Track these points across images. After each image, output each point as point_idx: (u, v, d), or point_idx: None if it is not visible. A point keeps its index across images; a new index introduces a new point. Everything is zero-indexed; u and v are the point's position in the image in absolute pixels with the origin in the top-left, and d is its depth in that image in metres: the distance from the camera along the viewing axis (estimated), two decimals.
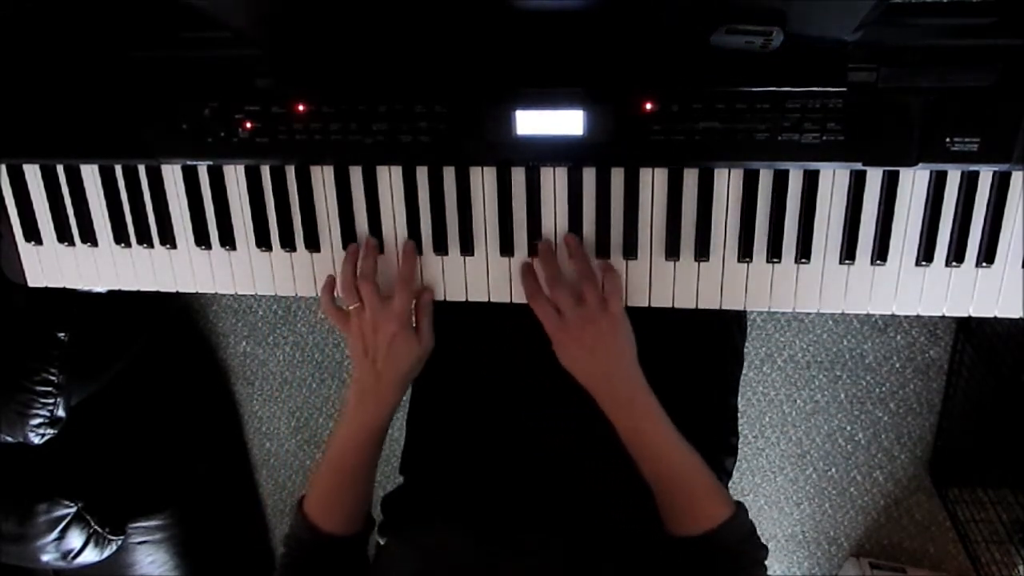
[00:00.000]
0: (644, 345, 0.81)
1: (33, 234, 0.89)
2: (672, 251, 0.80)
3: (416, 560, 0.72)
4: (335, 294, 0.82)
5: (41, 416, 1.31)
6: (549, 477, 0.88)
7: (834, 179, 0.76)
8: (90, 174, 0.86)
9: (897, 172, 0.75)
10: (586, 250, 0.79)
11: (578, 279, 0.76)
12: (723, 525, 0.70)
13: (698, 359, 0.96)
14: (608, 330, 0.74)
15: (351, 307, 0.78)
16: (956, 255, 0.77)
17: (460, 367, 0.96)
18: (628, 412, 0.75)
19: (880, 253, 0.77)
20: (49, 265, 0.91)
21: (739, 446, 1.03)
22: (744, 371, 1.07)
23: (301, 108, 0.77)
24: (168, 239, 0.87)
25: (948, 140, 0.71)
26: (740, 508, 0.73)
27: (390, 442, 2.05)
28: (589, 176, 0.79)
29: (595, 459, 0.89)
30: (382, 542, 0.84)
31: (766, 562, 0.73)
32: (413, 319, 0.81)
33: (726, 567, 0.70)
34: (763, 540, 0.74)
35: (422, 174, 0.81)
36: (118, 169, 0.86)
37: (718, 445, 0.96)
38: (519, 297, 0.84)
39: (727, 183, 0.78)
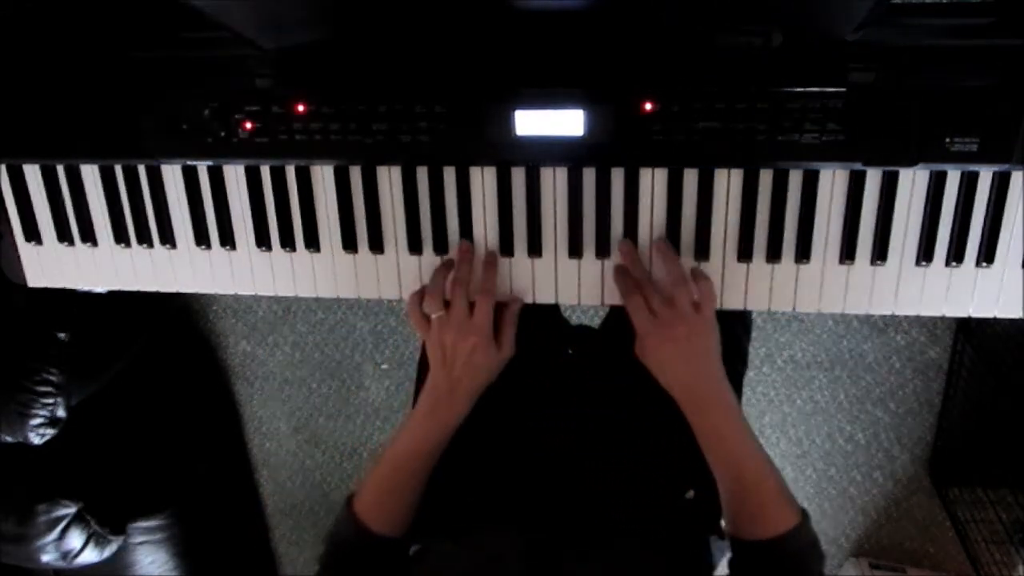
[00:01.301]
0: None
1: (33, 234, 0.89)
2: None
3: (469, 561, 0.72)
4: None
5: (41, 416, 1.31)
6: (550, 477, 0.88)
7: (834, 179, 0.76)
8: (90, 174, 0.86)
9: (897, 172, 0.75)
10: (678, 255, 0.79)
11: (671, 283, 0.75)
12: (791, 531, 0.70)
13: None
14: (700, 331, 0.74)
15: (435, 315, 0.78)
16: (956, 255, 0.76)
17: None
18: (710, 412, 0.75)
19: (880, 253, 0.77)
20: (49, 265, 0.91)
21: None
22: None
23: (301, 108, 0.77)
24: (168, 239, 0.87)
25: (948, 140, 0.71)
26: (806, 516, 0.73)
27: None
28: (589, 176, 0.79)
29: (595, 459, 0.89)
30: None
31: None
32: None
33: (789, 573, 0.70)
34: None
35: (422, 174, 0.81)
36: (118, 169, 0.86)
37: None
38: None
39: (727, 183, 0.78)
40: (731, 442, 0.74)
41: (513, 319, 0.82)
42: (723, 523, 0.78)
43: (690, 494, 0.88)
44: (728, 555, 0.90)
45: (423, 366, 1.05)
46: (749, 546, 0.72)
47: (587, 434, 0.91)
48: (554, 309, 1.15)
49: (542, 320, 1.06)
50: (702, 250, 0.79)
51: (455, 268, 0.80)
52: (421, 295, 0.81)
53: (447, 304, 0.78)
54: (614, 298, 0.83)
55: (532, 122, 0.75)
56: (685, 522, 0.89)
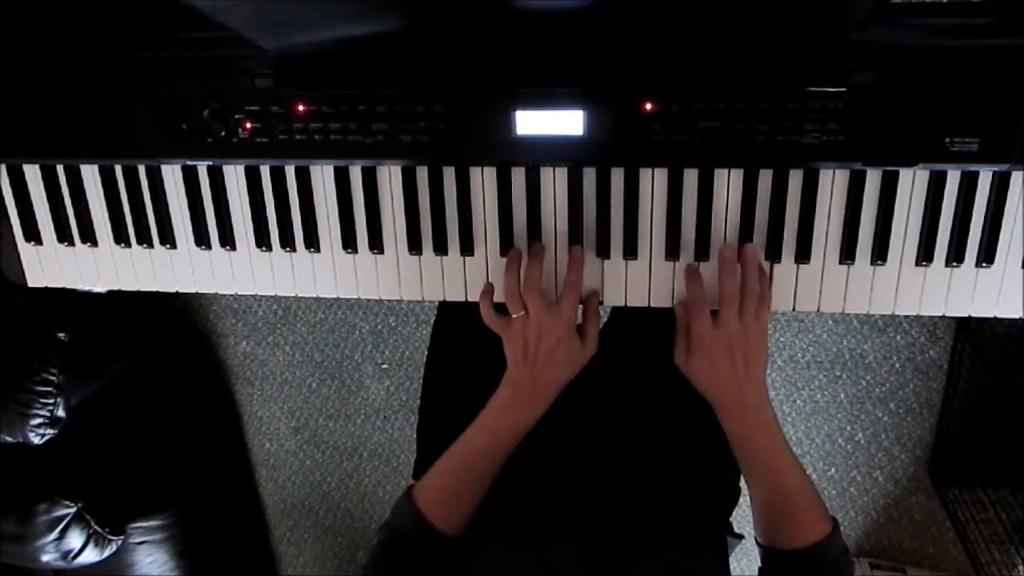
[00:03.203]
0: (655, 347, 0.81)
1: (33, 234, 0.89)
2: (672, 251, 0.80)
3: (524, 565, 0.72)
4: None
5: (41, 416, 1.31)
6: (581, 479, 0.88)
7: (834, 179, 0.76)
8: (90, 174, 0.86)
9: (897, 172, 0.75)
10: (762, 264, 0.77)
11: (747, 294, 0.74)
12: (823, 540, 0.71)
13: None
14: (756, 346, 0.74)
15: (515, 315, 0.76)
16: (956, 255, 0.76)
17: (468, 375, 0.96)
18: (751, 422, 0.74)
19: (880, 253, 0.77)
20: (49, 265, 0.91)
21: None
22: None
23: (301, 108, 0.77)
24: (168, 239, 0.87)
25: (948, 140, 0.71)
26: (836, 526, 0.73)
27: (400, 452, 2.04)
28: (589, 176, 0.79)
29: (614, 459, 0.89)
30: None
31: None
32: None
33: None
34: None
35: (422, 174, 0.81)
36: (118, 169, 0.86)
37: (727, 447, 0.97)
38: None
39: (727, 183, 0.78)
40: (772, 454, 0.74)
41: (596, 314, 0.80)
42: (754, 532, 0.78)
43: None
44: (735, 550, 0.90)
45: (429, 368, 1.05)
46: (782, 555, 0.72)
47: (591, 434, 0.91)
48: None
49: None
50: (702, 250, 0.79)
51: (525, 270, 0.78)
52: (491, 297, 0.80)
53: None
54: (614, 299, 0.83)
55: (532, 122, 0.75)
56: (704, 519, 0.89)
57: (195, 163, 0.84)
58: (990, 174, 0.74)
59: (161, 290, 0.90)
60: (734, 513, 0.95)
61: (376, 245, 0.84)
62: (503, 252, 0.82)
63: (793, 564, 0.72)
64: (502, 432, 0.77)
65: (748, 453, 0.75)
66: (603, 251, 0.81)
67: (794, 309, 0.81)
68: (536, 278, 0.77)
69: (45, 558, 1.42)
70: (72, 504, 1.41)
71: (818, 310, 0.81)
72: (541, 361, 0.75)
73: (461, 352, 1.01)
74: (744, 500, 0.83)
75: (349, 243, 0.84)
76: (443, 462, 0.77)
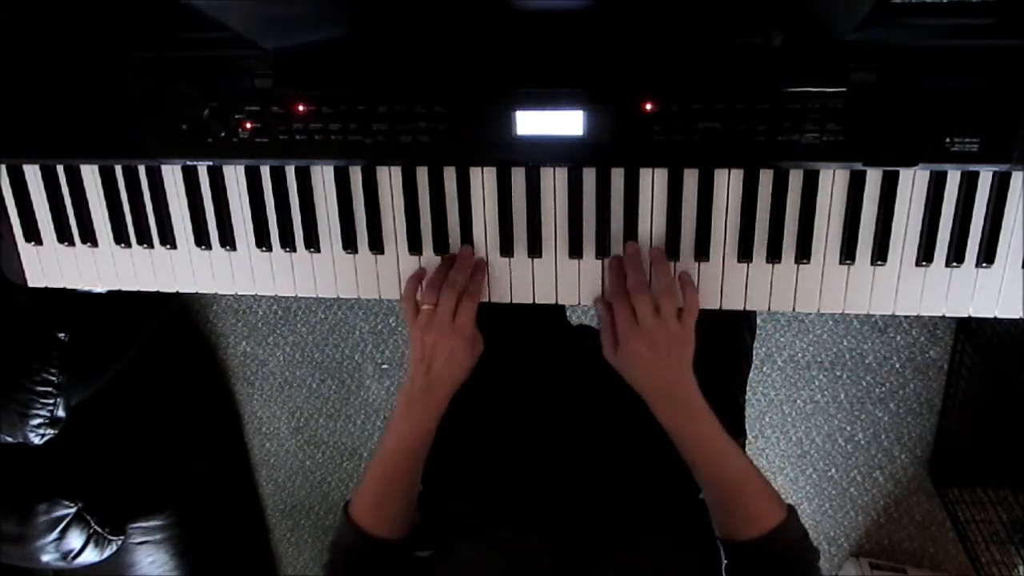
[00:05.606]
0: None
1: (33, 234, 0.89)
2: (672, 251, 0.80)
3: (495, 562, 0.72)
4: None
5: (41, 416, 1.31)
6: (568, 476, 0.88)
7: (834, 179, 0.76)
8: (90, 174, 0.86)
9: (897, 172, 0.75)
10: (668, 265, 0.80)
11: (659, 291, 0.76)
12: (777, 528, 0.71)
13: (708, 358, 0.97)
14: (679, 341, 0.75)
15: (425, 306, 0.78)
16: (956, 255, 0.76)
17: None
18: (684, 415, 0.75)
19: (880, 253, 0.77)
20: (49, 265, 0.91)
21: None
22: None
23: (301, 108, 0.77)
24: (168, 239, 0.87)
25: (948, 140, 0.71)
26: (792, 512, 0.73)
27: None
28: (589, 176, 0.79)
29: (610, 457, 0.89)
30: (424, 553, 0.84)
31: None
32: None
33: (780, 570, 0.71)
34: None
35: (422, 174, 0.81)
36: (118, 169, 0.86)
37: None
38: (518, 297, 0.84)
39: (727, 183, 0.78)
40: (709, 442, 0.75)
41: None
42: (714, 529, 0.78)
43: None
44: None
45: None
46: (742, 546, 0.72)
47: (599, 432, 0.91)
48: (559, 309, 1.15)
49: (549, 320, 1.06)
50: (702, 250, 0.79)
51: (452, 271, 0.80)
52: (418, 280, 0.82)
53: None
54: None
55: (532, 122, 0.75)
56: (700, 519, 0.89)
57: (195, 163, 0.84)
58: (990, 174, 0.74)
59: (161, 290, 0.90)
60: None
61: (376, 245, 0.84)
62: (503, 253, 0.82)
63: (752, 555, 0.72)
64: (408, 434, 0.79)
65: (685, 443, 0.76)
66: (603, 251, 0.81)
67: (794, 309, 0.81)
68: (462, 282, 0.79)
69: (45, 558, 1.42)
70: (72, 504, 1.41)
71: (818, 310, 0.81)
72: (436, 365, 0.77)
73: None
74: None
75: (349, 243, 0.84)
76: (366, 472, 0.80)
